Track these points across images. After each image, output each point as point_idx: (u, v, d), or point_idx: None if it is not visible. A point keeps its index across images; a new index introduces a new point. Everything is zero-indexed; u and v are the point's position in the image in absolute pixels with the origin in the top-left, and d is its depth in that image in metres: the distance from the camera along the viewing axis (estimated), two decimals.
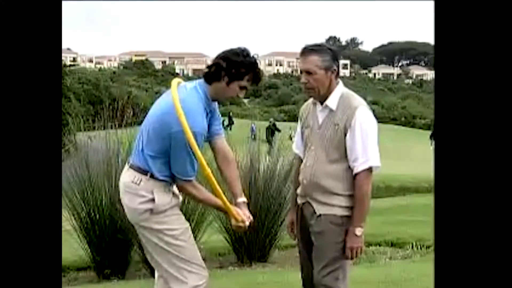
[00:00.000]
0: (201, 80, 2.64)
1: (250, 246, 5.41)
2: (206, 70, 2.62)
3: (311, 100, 2.80)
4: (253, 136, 19.35)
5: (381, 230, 6.80)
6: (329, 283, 2.65)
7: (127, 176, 2.67)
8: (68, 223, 5.22)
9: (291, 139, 21.48)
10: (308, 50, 2.66)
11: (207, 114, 2.62)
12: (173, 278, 2.64)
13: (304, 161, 2.77)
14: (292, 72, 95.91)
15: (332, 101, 2.67)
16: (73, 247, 5.21)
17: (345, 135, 2.60)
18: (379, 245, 6.21)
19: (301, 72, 2.69)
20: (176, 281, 2.63)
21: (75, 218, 5.17)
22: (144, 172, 2.61)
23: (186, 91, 2.60)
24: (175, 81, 2.64)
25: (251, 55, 2.62)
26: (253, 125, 22.45)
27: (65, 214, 5.21)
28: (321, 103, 2.71)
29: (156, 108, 2.63)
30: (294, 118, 52.76)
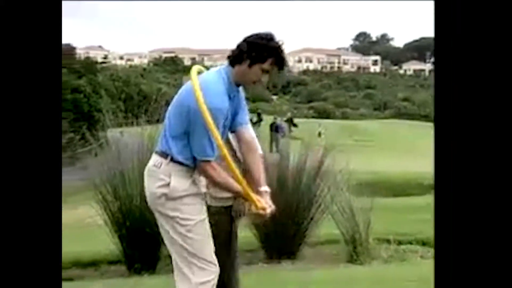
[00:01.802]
0: (226, 64, 2.65)
1: (279, 243, 5.40)
2: (230, 53, 2.62)
3: None
4: (282, 134, 19.31)
5: (413, 229, 6.70)
6: None
7: (150, 161, 2.70)
8: (100, 217, 5.32)
9: (319, 135, 21.09)
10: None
11: (230, 97, 2.59)
12: (180, 270, 2.60)
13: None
14: (322, 68, 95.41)
15: None
16: (105, 241, 5.29)
17: None
18: (411, 244, 6.12)
19: None
20: (183, 274, 2.60)
21: (106, 213, 5.25)
22: (165, 155, 2.61)
23: (208, 73, 2.63)
24: (195, 67, 2.66)
25: (276, 40, 2.58)
26: (279, 122, 22.36)
27: (97, 208, 5.30)
28: None
29: (178, 94, 2.66)
30: (323, 114, 52.50)
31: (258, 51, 2.54)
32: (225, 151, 2.50)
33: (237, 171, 2.56)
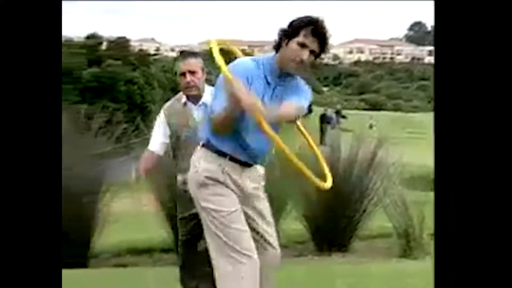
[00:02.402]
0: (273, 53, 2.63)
1: (329, 235, 5.36)
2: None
3: (175, 101, 3.39)
4: (332, 125, 19.10)
5: None
6: None
7: None
8: (153, 206, 5.44)
9: (371, 127, 20.74)
10: (188, 53, 3.34)
11: (268, 83, 2.56)
12: (218, 263, 2.51)
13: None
14: (374, 59, 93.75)
15: (206, 97, 3.25)
16: (159, 229, 5.41)
17: None
18: None
19: (183, 73, 3.23)
20: (220, 267, 2.50)
21: (160, 202, 5.37)
22: (200, 141, 2.65)
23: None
24: (214, 39, 2.59)
25: (313, 16, 2.52)
26: (330, 114, 22.13)
27: (150, 197, 5.42)
28: (198, 101, 3.29)
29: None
30: (375, 106, 51.52)
31: (292, 26, 2.51)
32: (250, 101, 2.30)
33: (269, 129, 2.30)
